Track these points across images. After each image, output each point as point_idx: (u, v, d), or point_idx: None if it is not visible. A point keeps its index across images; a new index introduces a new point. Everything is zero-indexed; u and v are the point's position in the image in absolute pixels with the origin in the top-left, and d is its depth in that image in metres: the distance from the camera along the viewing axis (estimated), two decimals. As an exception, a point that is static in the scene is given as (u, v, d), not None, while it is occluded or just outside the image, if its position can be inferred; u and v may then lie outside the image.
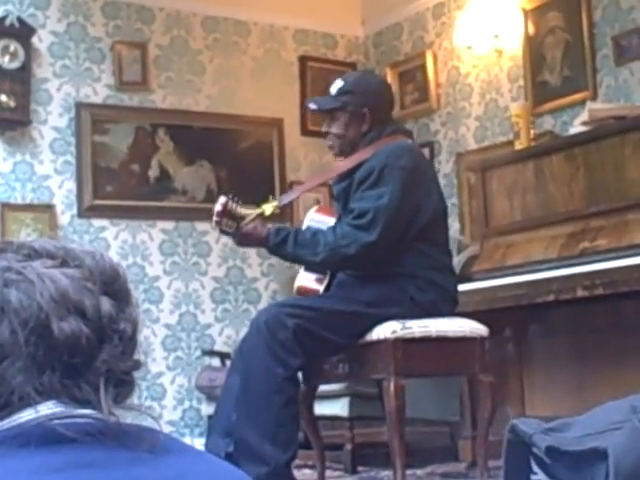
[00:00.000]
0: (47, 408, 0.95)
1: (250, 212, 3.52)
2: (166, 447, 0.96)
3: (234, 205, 3.49)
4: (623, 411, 1.32)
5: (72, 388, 0.97)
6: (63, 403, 0.96)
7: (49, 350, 0.97)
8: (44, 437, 0.90)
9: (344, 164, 3.65)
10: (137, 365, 1.04)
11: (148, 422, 1.04)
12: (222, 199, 3.51)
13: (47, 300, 0.98)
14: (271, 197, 3.69)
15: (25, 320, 0.98)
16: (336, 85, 3.67)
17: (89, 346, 0.98)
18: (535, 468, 1.45)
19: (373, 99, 3.61)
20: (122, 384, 1.01)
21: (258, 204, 3.58)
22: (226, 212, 3.49)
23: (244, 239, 3.56)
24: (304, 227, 3.71)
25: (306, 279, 3.62)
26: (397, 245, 3.44)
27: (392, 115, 3.80)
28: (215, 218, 3.50)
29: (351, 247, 3.38)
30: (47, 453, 0.89)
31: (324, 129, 3.67)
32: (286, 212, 6.06)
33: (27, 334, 0.97)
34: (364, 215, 3.39)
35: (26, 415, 0.94)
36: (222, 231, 3.58)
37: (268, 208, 3.55)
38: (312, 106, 3.77)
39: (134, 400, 1.05)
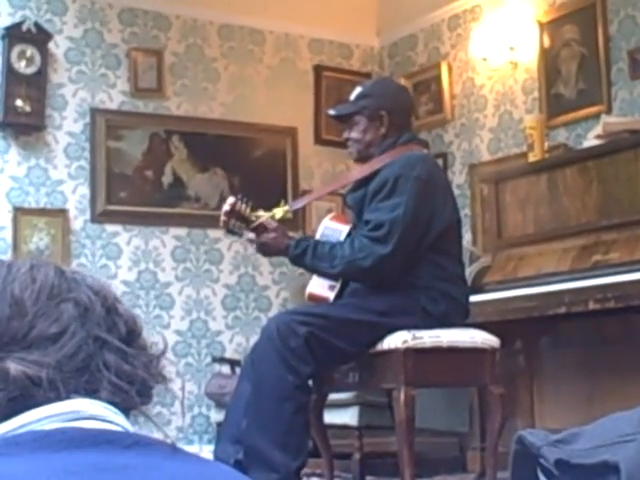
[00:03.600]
0: (67, 406, 0.95)
1: (259, 214, 3.53)
2: (182, 454, 0.96)
3: (243, 206, 3.50)
4: (633, 423, 1.32)
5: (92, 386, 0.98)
6: (83, 401, 0.96)
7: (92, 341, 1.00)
8: (64, 440, 0.91)
9: (358, 172, 3.66)
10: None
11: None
12: (231, 199, 3.52)
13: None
14: (283, 201, 3.70)
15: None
16: (355, 91, 3.71)
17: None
18: (542, 479, 1.44)
19: (390, 102, 3.62)
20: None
21: (270, 208, 3.59)
22: (234, 212, 3.50)
23: (264, 248, 3.58)
24: (318, 234, 3.72)
25: (318, 286, 3.62)
26: (411, 255, 3.44)
27: (411, 121, 3.81)
28: (222, 218, 3.51)
29: (367, 260, 3.39)
30: (66, 456, 0.89)
31: (344, 136, 3.68)
32: (298, 219, 6.07)
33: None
34: (380, 227, 3.39)
35: (44, 413, 0.94)
36: (229, 231, 3.59)
37: (279, 212, 3.56)
38: (331, 112, 3.78)
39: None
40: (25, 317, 0.99)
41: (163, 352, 1.08)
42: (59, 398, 0.96)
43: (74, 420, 0.94)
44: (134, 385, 1.01)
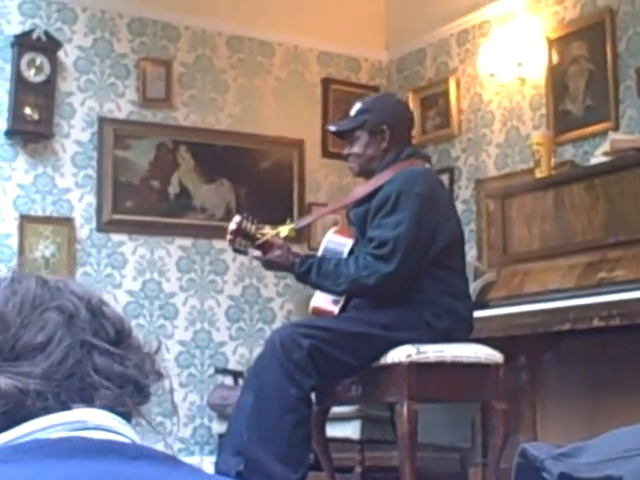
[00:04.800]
0: (72, 416, 0.95)
1: (265, 232, 3.54)
2: (187, 467, 0.96)
3: (248, 224, 3.52)
4: (637, 439, 1.31)
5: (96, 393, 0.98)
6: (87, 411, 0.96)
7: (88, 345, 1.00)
8: (70, 448, 0.90)
9: (361, 190, 3.67)
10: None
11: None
12: (237, 218, 3.53)
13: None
14: (289, 220, 3.72)
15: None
16: (355, 107, 3.71)
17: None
18: (544, 491, 1.44)
19: (391, 116, 3.63)
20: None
21: (276, 225, 3.60)
22: (240, 231, 3.52)
23: (270, 265, 3.62)
24: (322, 247, 3.74)
25: (322, 300, 3.62)
26: (415, 272, 3.44)
27: (411, 135, 3.82)
28: (229, 237, 3.53)
29: (371, 278, 3.40)
30: (73, 464, 0.88)
31: (346, 151, 3.68)
32: (303, 234, 6.06)
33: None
34: (384, 245, 3.40)
35: (50, 422, 0.94)
36: (235, 250, 3.61)
37: (284, 230, 3.58)
38: (332, 128, 3.80)
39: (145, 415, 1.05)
40: (10, 329, 0.99)
41: (157, 350, 1.08)
42: (55, 408, 0.95)
43: (80, 430, 0.94)
44: (127, 386, 1.01)
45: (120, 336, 1.04)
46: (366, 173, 3.64)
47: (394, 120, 3.63)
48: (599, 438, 1.41)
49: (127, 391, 1.01)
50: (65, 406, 0.96)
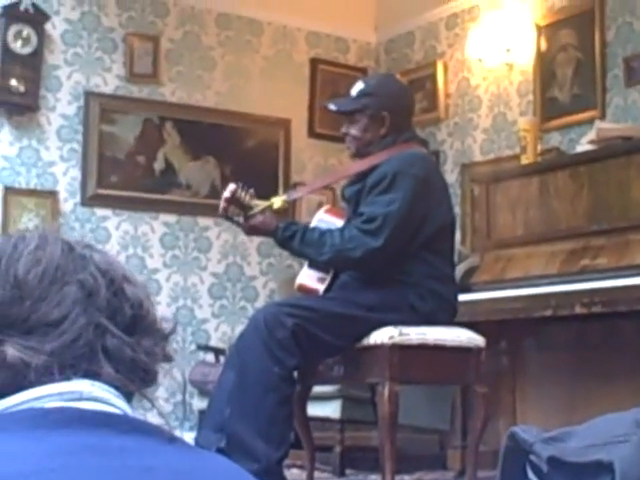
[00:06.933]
0: (68, 387, 0.96)
1: (259, 203, 3.55)
2: (179, 442, 0.96)
3: (243, 194, 3.53)
4: (627, 424, 1.33)
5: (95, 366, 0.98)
6: (84, 382, 0.96)
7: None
8: (62, 419, 0.91)
9: (356, 166, 3.67)
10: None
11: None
12: (231, 186, 3.54)
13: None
14: (281, 192, 3.73)
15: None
16: (357, 87, 3.68)
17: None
18: (530, 475, 1.46)
19: (393, 103, 3.62)
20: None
21: (267, 198, 3.61)
22: (234, 200, 3.53)
23: (252, 230, 3.61)
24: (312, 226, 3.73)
25: (308, 277, 3.63)
26: (402, 253, 3.46)
27: (411, 121, 3.81)
28: (222, 204, 3.53)
29: (357, 251, 3.40)
30: (63, 435, 0.89)
31: (343, 130, 3.67)
32: (289, 212, 6.06)
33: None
34: (373, 220, 3.41)
35: (46, 391, 0.94)
36: (228, 218, 3.62)
37: (277, 201, 3.60)
38: (332, 107, 3.75)
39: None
40: (27, 301, 0.98)
41: (171, 332, 1.08)
42: (56, 381, 0.95)
43: (75, 400, 0.94)
44: (136, 371, 1.01)
45: (136, 319, 1.03)
46: (362, 155, 3.64)
47: (396, 107, 3.62)
48: (588, 423, 1.43)
49: (135, 376, 1.01)
50: (67, 380, 0.96)
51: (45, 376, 0.95)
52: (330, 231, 3.51)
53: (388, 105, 3.59)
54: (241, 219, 3.59)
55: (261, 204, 3.56)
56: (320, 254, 3.46)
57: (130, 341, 1.01)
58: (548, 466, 1.38)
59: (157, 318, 1.06)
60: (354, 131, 3.62)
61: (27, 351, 0.95)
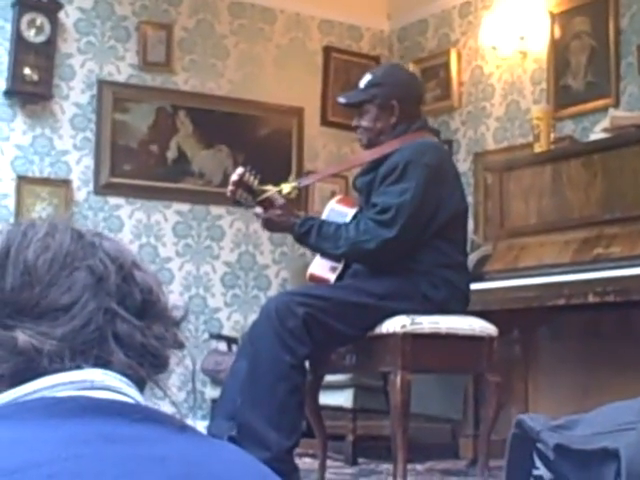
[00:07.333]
0: (80, 375, 0.96)
1: (268, 188, 3.54)
2: (191, 431, 0.96)
3: (251, 177, 3.52)
4: (633, 412, 1.33)
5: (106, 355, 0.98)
6: (96, 371, 0.96)
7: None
8: (75, 408, 0.90)
9: (368, 154, 3.66)
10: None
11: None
12: (239, 169, 3.54)
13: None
14: (291, 177, 3.71)
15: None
16: (365, 79, 3.68)
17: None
18: (537, 462, 1.46)
19: (402, 91, 3.62)
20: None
21: (278, 183, 3.60)
22: (242, 183, 3.51)
23: (269, 224, 3.59)
24: (324, 216, 3.73)
25: (320, 267, 3.62)
26: (415, 241, 3.45)
27: (421, 109, 3.80)
28: (230, 187, 3.52)
29: (371, 243, 3.40)
30: (76, 424, 0.89)
31: (354, 123, 3.67)
32: (301, 200, 6.06)
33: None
34: (387, 211, 3.40)
35: (58, 380, 0.94)
36: (235, 202, 3.60)
37: (286, 187, 3.58)
38: (341, 100, 3.76)
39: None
40: (36, 287, 0.98)
41: (183, 318, 1.07)
42: (68, 369, 0.95)
43: (87, 389, 0.94)
44: (146, 357, 1.00)
45: (146, 305, 1.03)
46: (374, 146, 3.63)
47: (404, 95, 3.61)
48: (595, 411, 1.43)
49: (145, 361, 1.00)
50: (79, 368, 0.96)
51: (56, 362, 0.95)
52: (345, 224, 3.51)
53: (396, 93, 3.59)
54: (258, 209, 3.58)
55: (270, 189, 3.55)
56: (336, 247, 3.47)
57: (140, 325, 1.01)
58: (555, 453, 1.38)
59: (168, 305, 1.06)
60: (365, 122, 3.61)
61: (38, 336, 0.95)
